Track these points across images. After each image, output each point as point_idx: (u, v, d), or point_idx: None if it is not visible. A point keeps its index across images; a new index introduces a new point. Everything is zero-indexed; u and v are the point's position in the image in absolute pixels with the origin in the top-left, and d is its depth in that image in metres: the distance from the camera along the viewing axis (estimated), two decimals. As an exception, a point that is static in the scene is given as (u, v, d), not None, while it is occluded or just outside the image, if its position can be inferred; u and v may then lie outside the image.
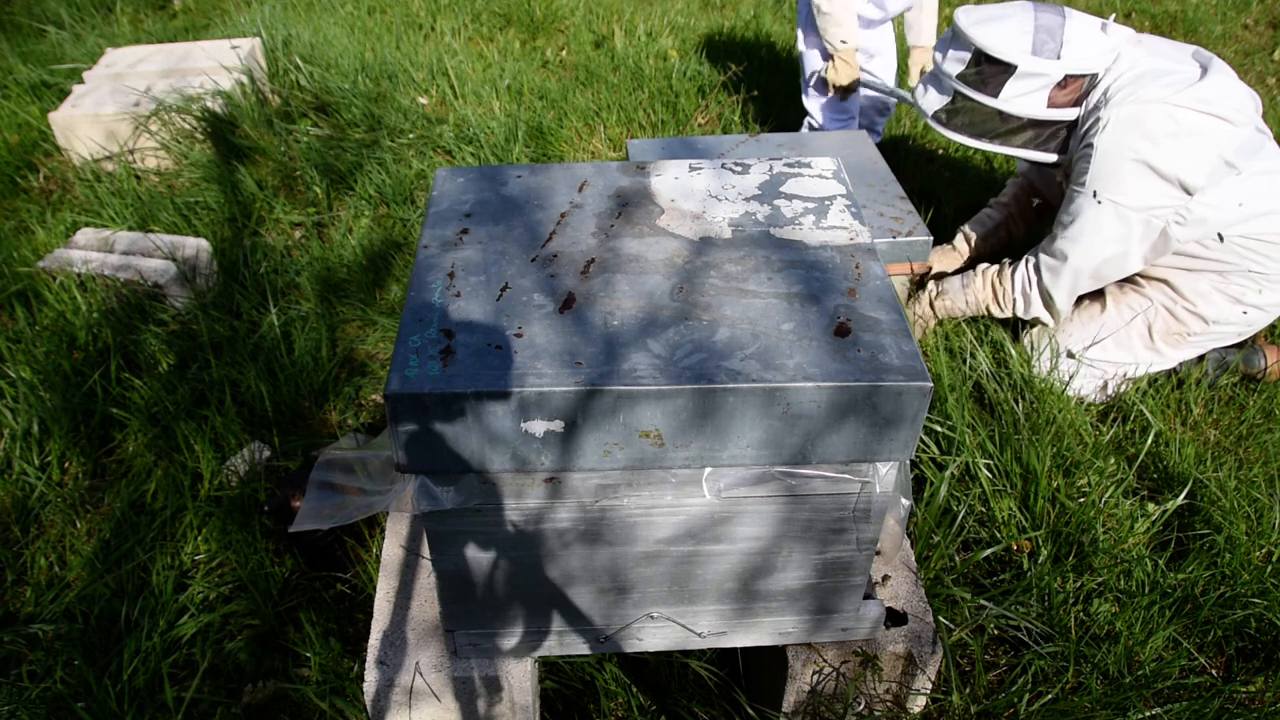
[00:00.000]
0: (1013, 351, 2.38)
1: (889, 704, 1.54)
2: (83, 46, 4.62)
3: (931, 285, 2.58)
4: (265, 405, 2.34)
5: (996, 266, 2.48)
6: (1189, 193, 2.09)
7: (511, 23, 4.95)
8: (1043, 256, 2.34)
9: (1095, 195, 2.16)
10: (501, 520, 1.26)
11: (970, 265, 2.73)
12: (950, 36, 2.33)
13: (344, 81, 3.95)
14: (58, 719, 1.69)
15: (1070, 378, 2.34)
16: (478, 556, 1.31)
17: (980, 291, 2.48)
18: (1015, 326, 2.55)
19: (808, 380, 1.12)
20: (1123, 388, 2.37)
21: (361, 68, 4.10)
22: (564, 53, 4.63)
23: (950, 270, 2.70)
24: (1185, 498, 2.00)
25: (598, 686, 1.73)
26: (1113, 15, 2.28)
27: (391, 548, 1.63)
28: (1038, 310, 2.41)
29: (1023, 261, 2.41)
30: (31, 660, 1.80)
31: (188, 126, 3.62)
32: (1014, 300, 2.43)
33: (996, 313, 2.47)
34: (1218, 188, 2.10)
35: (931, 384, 1.14)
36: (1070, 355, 2.39)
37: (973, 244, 2.73)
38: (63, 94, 4.09)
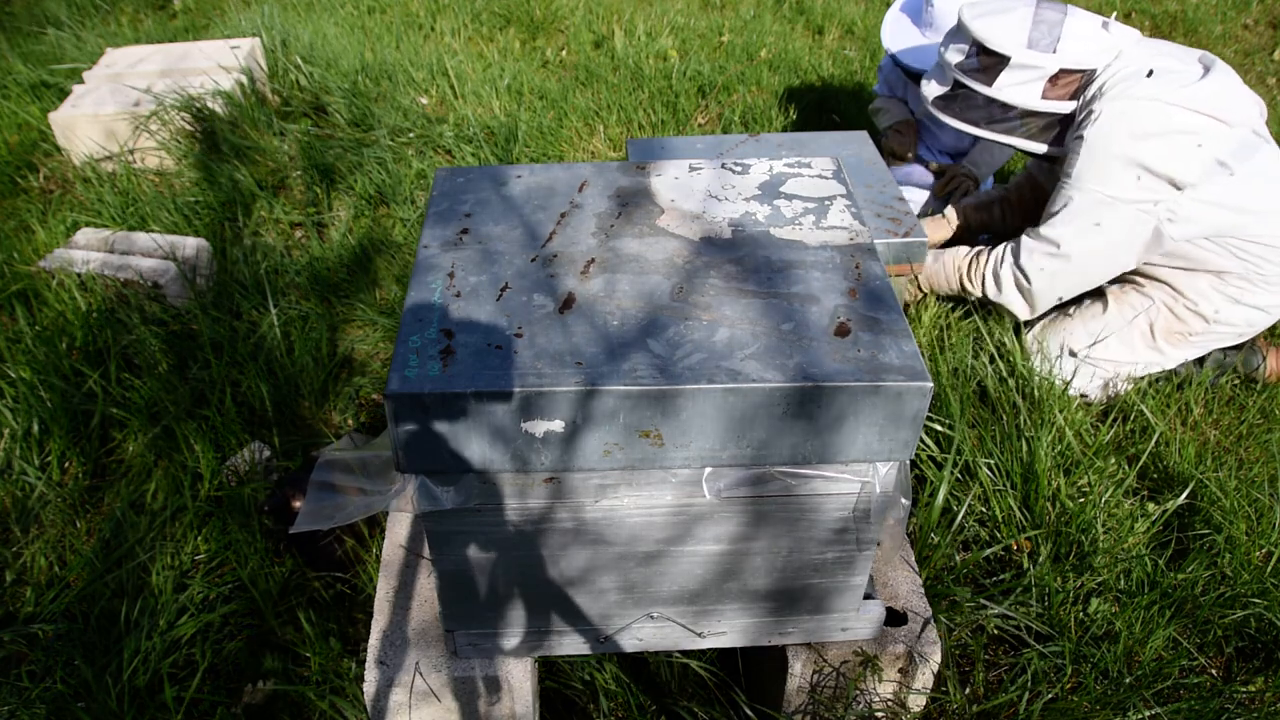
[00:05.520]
0: (1015, 350, 2.38)
1: (889, 704, 1.54)
2: (83, 46, 4.61)
3: None
4: (265, 405, 2.34)
5: (976, 248, 2.49)
6: (1178, 188, 2.11)
7: (511, 23, 4.94)
8: (1024, 239, 2.35)
9: (1083, 185, 2.19)
10: (501, 520, 1.26)
11: (960, 235, 2.76)
12: (955, 29, 2.39)
13: (343, 81, 3.95)
14: (58, 719, 1.69)
15: (1072, 376, 2.35)
16: (478, 556, 1.31)
17: (952, 263, 2.47)
18: (1017, 327, 2.54)
19: (808, 380, 1.12)
20: (1123, 387, 2.38)
21: (361, 68, 4.10)
22: (564, 53, 4.63)
23: (939, 240, 2.72)
24: (1185, 498, 2.00)
25: (598, 686, 1.73)
26: (1114, 14, 2.29)
27: (391, 548, 1.63)
28: (1010, 294, 2.39)
29: (1003, 244, 2.42)
30: (31, 660, 1.80)
31: (188, 126, 3.62)
32: (984, 277, 2.42)
33: (970, 289, 2.46)
34: (1210, 185, 2.11)
35: (932, 384, 1.14)
36: (1072, 354, 2.39)
37: (961, 213, 2.74)
38: (63, 94, 4.08)
